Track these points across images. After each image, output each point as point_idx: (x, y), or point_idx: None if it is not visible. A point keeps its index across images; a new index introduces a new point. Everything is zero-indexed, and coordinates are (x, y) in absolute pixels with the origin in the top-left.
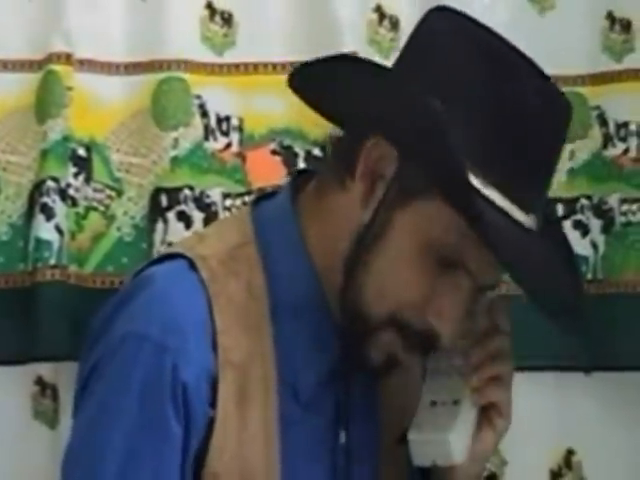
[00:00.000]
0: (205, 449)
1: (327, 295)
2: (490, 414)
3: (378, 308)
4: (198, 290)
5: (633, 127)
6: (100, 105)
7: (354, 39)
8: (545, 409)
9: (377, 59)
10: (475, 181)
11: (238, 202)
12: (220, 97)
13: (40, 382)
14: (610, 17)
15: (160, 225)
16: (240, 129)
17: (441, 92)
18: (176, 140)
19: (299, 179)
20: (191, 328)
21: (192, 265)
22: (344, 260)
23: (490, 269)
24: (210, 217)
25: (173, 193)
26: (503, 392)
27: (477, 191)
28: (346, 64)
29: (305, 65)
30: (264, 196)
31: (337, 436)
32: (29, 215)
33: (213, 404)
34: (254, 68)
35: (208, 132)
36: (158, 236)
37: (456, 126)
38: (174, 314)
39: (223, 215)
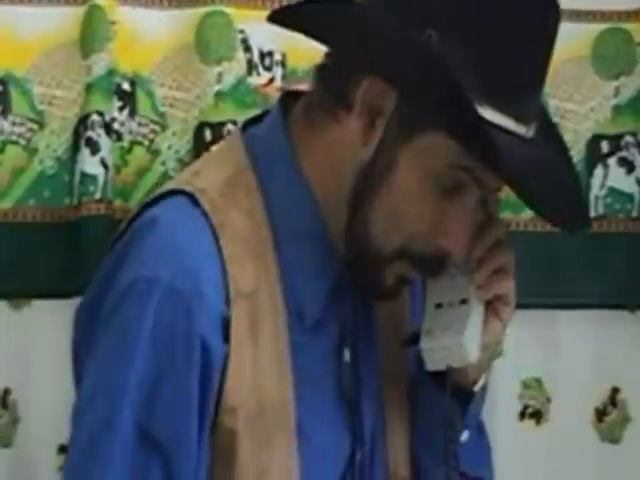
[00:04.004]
0: (222, 386)
1: (327, 223)
2: (496, 305)
3: (388, 243)
4: (202, 224)
5: None
6: (144, 39)
7: None
8: (590, 347)
9: None
10: (476, 107)
11: None
12: (263, 32)
13: None
14: None
15: None
16: (283, 64)
17: (433, 18)
18: (220, 74)
19: (286, 102)
20: (202, 265)
21: (192, 199)
22: (348, 198)
23: (494, 180)
24: None
25: (217, 127)
26: (507, 283)
27: (478, 116)
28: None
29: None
30: (251, 121)
31: (342, 355)
32: (74, 149)
33: (227, 339)
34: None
35: (251, 67)
36: None
37: (448, 52)
38: (183, 253)
39: None
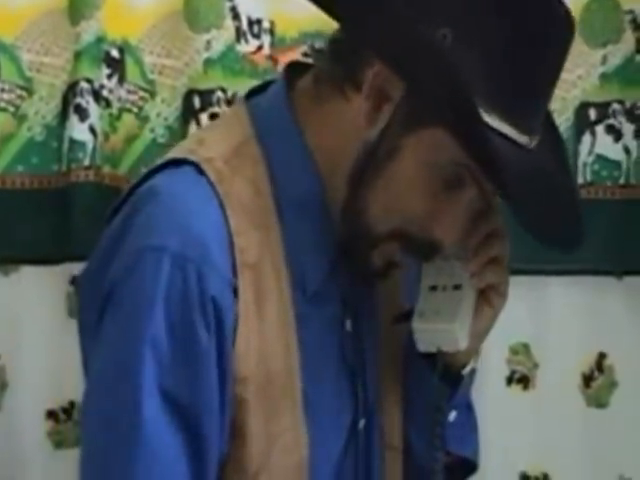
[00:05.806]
0: (232, 353)
1: (329, 196)
2: (489, 294)
3: (382, 224)
4: (209, 193)
5: None
6: (133, 7)
7: None
8: (577, 313)
9: None
10: (480, 112)
11: None
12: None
13: (75, 281)
14: None
15: (193, 126)
16: (271, 32)
17: (450, 18)
18: (208, 42)
19: (291, 72)
20: (209, 234)
21: (197, 168)
22: (348, 177)
23: (490, 184)
24: None
25: (206, 95)
26: (501, 273)
27: (482, 123)
28: None
29: None
30: (255, 91)
31: (343, 325)
32: (63, 116)
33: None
34: None
35: (240, 34)
36: None
37: (461, 55)
38: (190, 222)
39: None
